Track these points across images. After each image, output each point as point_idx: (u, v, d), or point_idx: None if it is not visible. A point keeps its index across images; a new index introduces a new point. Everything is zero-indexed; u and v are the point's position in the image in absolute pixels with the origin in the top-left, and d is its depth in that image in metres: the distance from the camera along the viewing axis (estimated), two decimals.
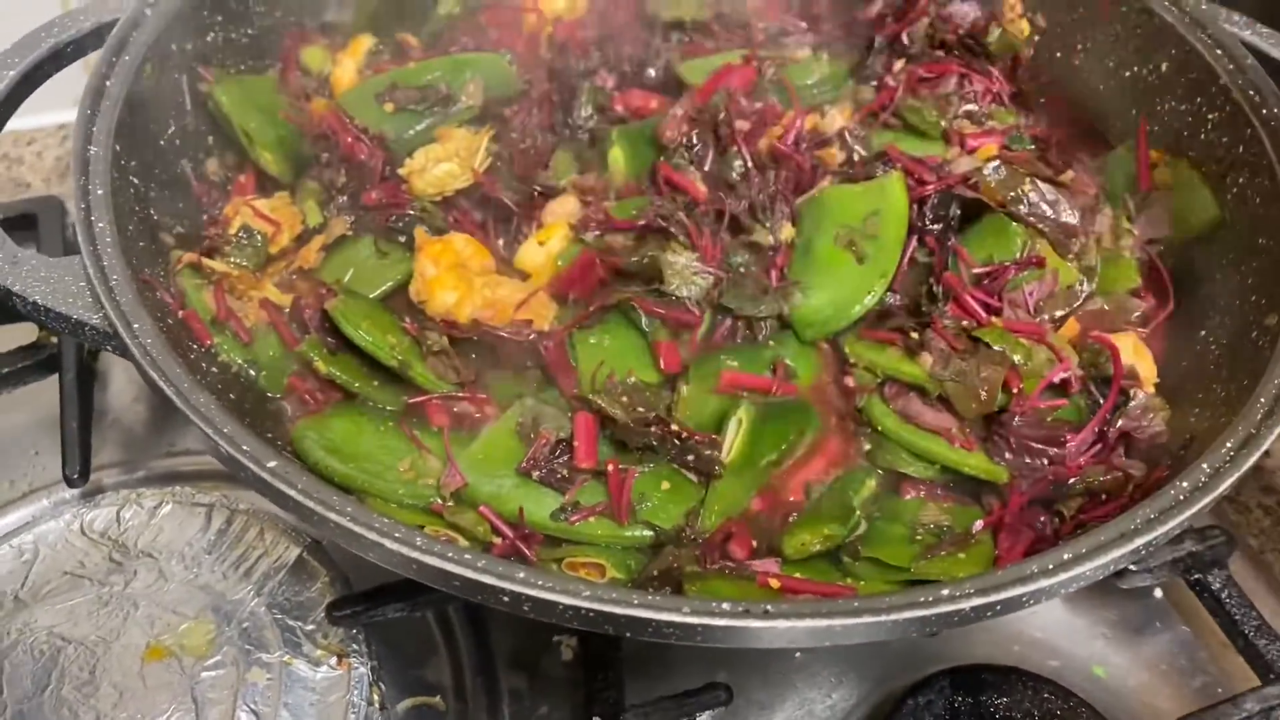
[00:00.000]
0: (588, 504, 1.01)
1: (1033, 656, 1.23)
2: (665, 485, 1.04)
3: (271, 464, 0.86)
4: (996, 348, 1.05)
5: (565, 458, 1.04)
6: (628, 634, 0.81)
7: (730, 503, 1.02)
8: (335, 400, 1.11)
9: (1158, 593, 1.30)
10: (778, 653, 1.24)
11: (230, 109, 1.24)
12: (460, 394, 1.09)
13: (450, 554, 0.82)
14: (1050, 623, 1.27)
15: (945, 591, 0.82)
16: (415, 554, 0.82)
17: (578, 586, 0.81)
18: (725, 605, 0.80)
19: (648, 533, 1.01)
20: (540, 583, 0.81)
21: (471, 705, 1.19)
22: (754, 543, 1.00)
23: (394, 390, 1.10)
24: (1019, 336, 1.07)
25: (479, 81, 1.29)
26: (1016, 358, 1.05)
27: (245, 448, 0.87)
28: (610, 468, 1.02)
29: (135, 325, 0.95)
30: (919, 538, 1.03)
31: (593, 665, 1.14)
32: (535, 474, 1.03)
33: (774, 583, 0.96)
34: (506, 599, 0.81)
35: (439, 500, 1.02)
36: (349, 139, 1.22)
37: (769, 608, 0.80)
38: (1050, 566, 0.84)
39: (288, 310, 1.15)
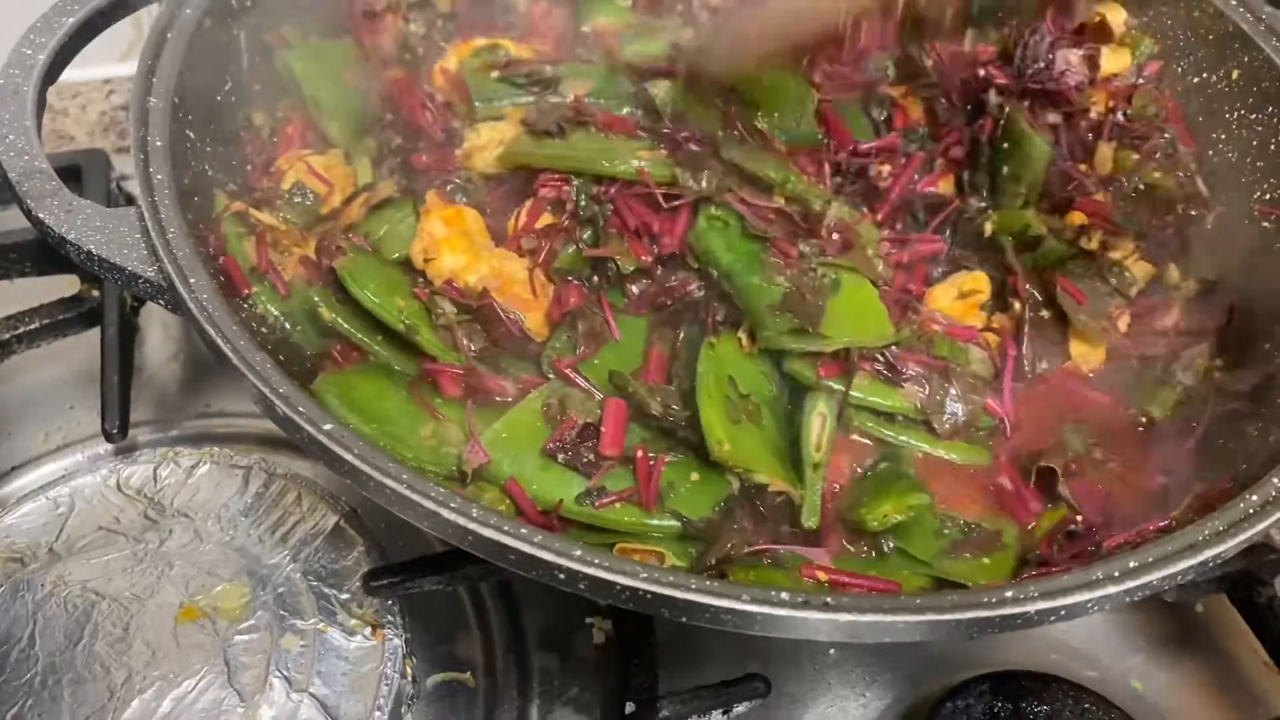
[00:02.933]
0: (614, 489, 0.99)
1: (1070, 665, 1.21)
2: (694, 476, 1.01)
3: (328, 426, 0.84)
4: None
5: (592, 442, 1.01)
6: (684, 619, 0.79)
7: (819, 497, 1.00)
8: (359, 360, 1.08)
9: (1199, 608, 1.28)
10: (811, 647, 1.22)
11: (302, 76, 1.22)
12: (472, 368, 1.06)
13: (507, 526, 0.80)
14: (1089, 633, 1.25)
15: (1009, 593, 0.80)
16: (472, 525, 0.80)
17: (635, 568, 0.79)
18: (785, 595, 0.79)
19: (674, 523, 0.98)
20: (598, 561, 0.79)
21: (501, 683, 1.17)
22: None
23: (404, 353, 1.08)
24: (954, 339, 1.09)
25: (587, 87, 1.26)
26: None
27: (301, 409, 0.85)
28: (639, 454, 0.99)
29: (192, 280, 0.93)
30: (946, 532, 1.02)
31: (627, 651, 1.13)
32: (560, 456, 1.00)
33: (821, 575, 0.94)
34: (562, 576, 0.80)
35: (459, 471, 1.00)
36: (415, 103, 1.19)
37: (829, 599, 0.79)
38: (1116, 574, 0.83)
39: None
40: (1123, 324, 1.16)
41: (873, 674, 1.21)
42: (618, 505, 0.97)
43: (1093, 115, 1.28)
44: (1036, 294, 1.13)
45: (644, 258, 1.10)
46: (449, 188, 1.17)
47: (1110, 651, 1.24)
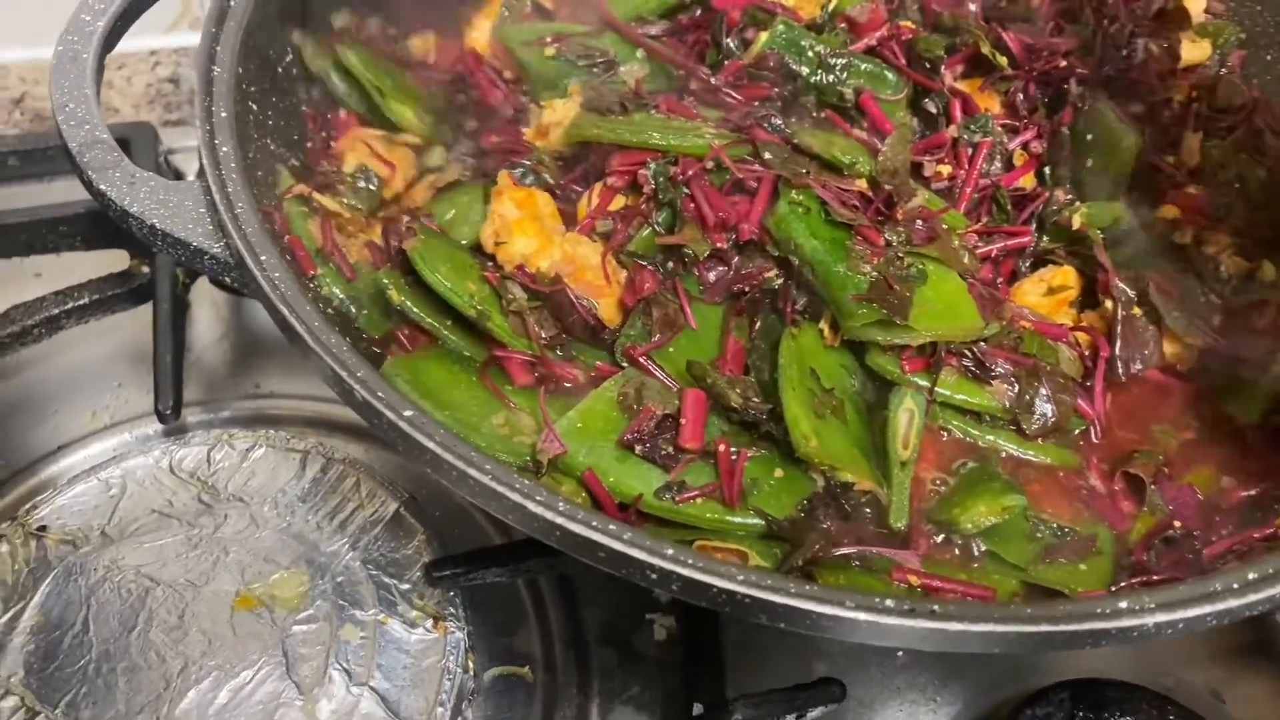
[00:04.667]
0: (695, 484, 0.94)
1: (1145, 673, 1.16)
2: (779, 472, 0.97)
3: (408, 413, 0.80)
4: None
5: (670, 434, 0.97)
6: (783, 625, 0.75)
7: (907, 497, 0.95)
8: (427, 344, 1.04)
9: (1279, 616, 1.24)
10: (881, 650, 1.18)
11: (360, 68, 1.18)
12: (543, 356, 1.02)
13: (595, 522, 0.76)
14: (1165, 640, 1.21)
15: (1124, 604, 0.76)
16: (560, 519, 0.76)
17: (732, 570, 0.75)
18: (890, 602, 0.74)
19: (758, 521, 0.93)
20: (692, 562, 0.75)
21: (561, 678, 1.14)
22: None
23: (473, 338, 1.03)
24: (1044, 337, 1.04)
25: (646, 71, 1.22)
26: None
27: (381, 394, 0.81)
28: (721, 448, 0.95)
29: (263, 258, 0.89)
30: (1039, 536, 0.97)
31: (692, 650, 1.09)
32: (638, 448, 0.95)
33: (914, 579, 0.90)
34: (655, 575, 0.76)
35: (534, 461, 0.96)
36: (485, 80, 1.15)
37: (936, 608, 0.75)
38: (1236, 586, 0.78)
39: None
40: (1216, 322, 1.11)
41: (943, 679, 1.17)
42: (699, 501, 0.93)
43: (1175, 106, 1.23)
44: (1128, 291, 1.08)
45: (720, 244, 1.05)
46: (518, 171, 1.13)
47: (1190, 659, 1.20)
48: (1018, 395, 1.01)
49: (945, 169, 1.13)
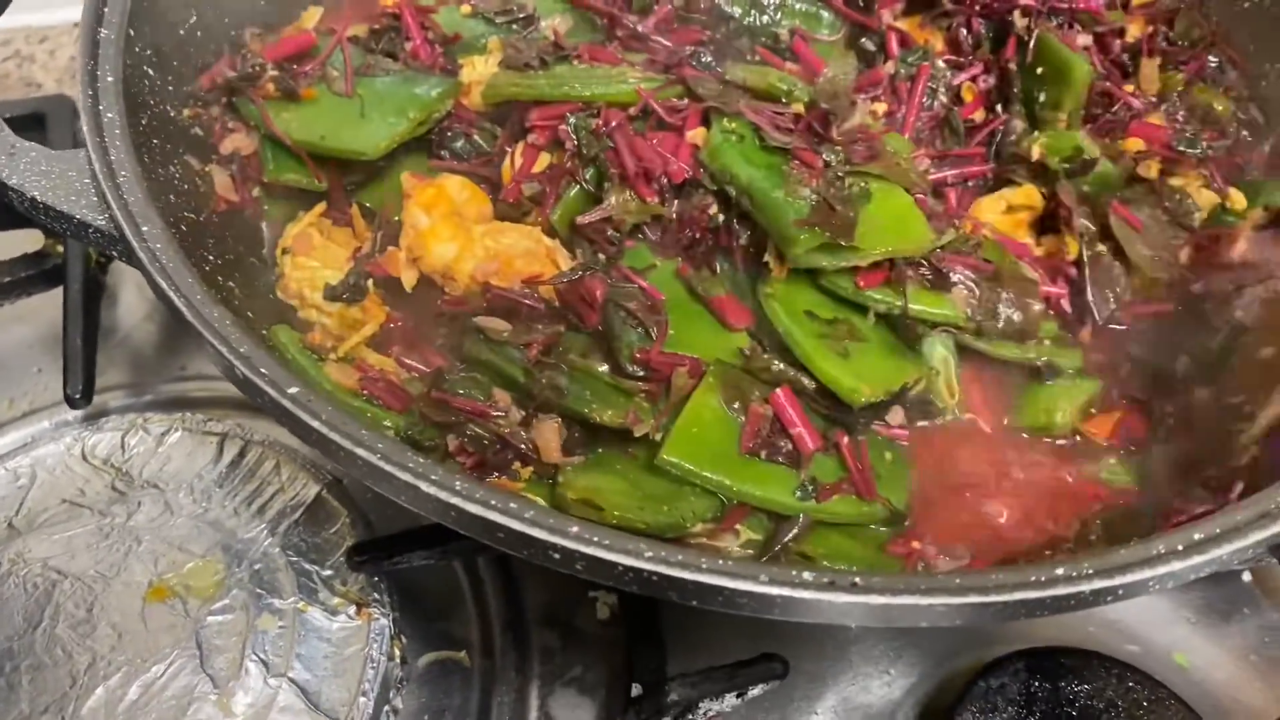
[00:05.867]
0: (825, 479, 0.90)
1: (1109, 640, 1.13)
2: (888, 456, 0.94)
3: (293, 390, 0.75)
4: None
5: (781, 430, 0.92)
6: (695, 602, 0.71)
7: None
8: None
9: (1246, 576, 1.20)
10: (831, 624, 1.14)
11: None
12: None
13: (494, 501, 0.72)
14: (1128, 604, 1.16)
15: (1060, 571, 0.71)
16: (455, 500, 0.71)
17: (638, 546, 0.71)
18: (808, 575, 0.70)
19: (884, 510, 0.91)
20: (596, 539, 0.71)
21: (499, 662, 1.09)
22: None
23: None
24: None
25: (568, 22, 1.17)
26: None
27: (264, 370, 0.76)
28: (844, 441, 0.91)
29: (145, 228, 0.84)
30: None
31: (633, 628, 1.05)
32: (763, 453, 0.91)
33: (916, 544, 0.89)
34: (557, 555, 0.71)
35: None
36: (419, 38, 1.10)
37: (858, 580, 0.70)
38: (1180, 548, 0.73)
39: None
40: (1184, 257, 1.06)
41: (897, 650, 1.13)
42: (836, 497, 0.90)
43: (1129, 39, 1.19)
44: (1090, 226, 1.03)
45: (651, 199, 0.99)
46: (451, 147, 1.08)
47: (1152, 624, 1.16)
48: (980, 301, 0.97)
49: (881, 107, 1.08)
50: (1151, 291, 1.03)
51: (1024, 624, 1.12)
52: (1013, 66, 1.12)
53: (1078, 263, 1.03)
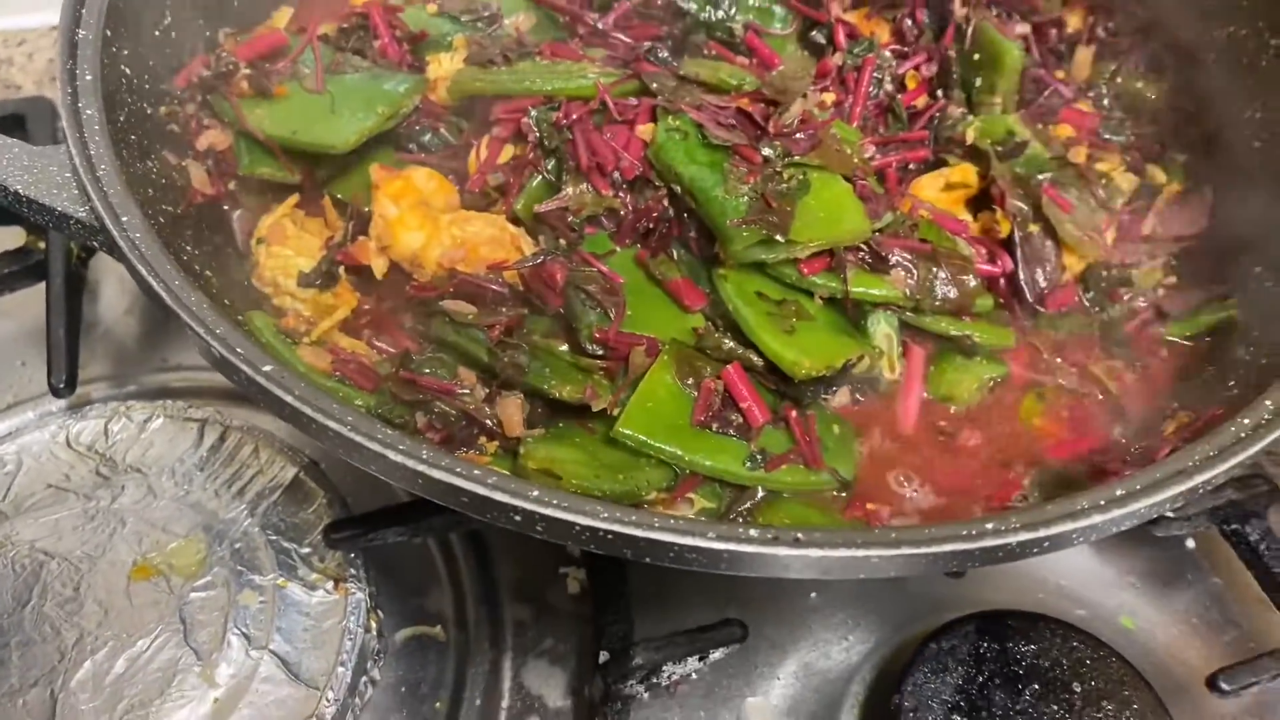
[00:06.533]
0: (774, 450, 0.94)
1: (1058, 605, 1.18)
2: (836, 429, 0.98)
3: (267, 368, 0.79)
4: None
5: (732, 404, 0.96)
6: (647, 559, 0.75)
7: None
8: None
9: (1190, 543, 1.25)
10: (792, 591, 1.19)
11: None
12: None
13: (459, 469, 0.76)
14: (1077, 570, 1.22)
15: (990, 525, 0.76)
16: (421, 467, 0.76)
17: (594, 507, 0.75)
18: (754, 532, 0.74)
19: (831, 479, 0.96)
20: (555, 501, 0.75)
21: (473, 636, 1.14)
22: None
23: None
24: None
25: (531, 20, 1.21)
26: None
27: (240, 350, 0.80)
28: (792, 414, 0.96)
29: (124, 219, 0.88)
30: None
31: (600, 598, 1.09)
32: (714, 426, 0.95)
33: (871, 506, 0.94)
34: (519, 518, 0.75)
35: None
36: (386, 36, 1.15)
37: (800, 535, 0.75)
38: (1102, 502, 0.78)
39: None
40: (1110, 236, 1.11)
41: (855, 617, 1.18)
42: (784, 467, 0.94)
43: (1070, 29, 1.24)
44: (1023, 206, 1.08)
45: (605, 192, 1.04)
46: (419, 141, 1.12)
47: (1099, 589, 1.21)
48: (918, 281, 1.02)
49: (829, 97, 1.12)
50: (1080, 270, 1.09)
51: (976, 590, 1.17)
52: (952, 53, 1.17)
53: (1008, 241, 1.08)
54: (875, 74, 1.13)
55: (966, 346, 1.04)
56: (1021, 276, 1.06)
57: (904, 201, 1.07)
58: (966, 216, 1.10)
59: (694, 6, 1.17)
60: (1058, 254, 1.07)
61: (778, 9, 1.19)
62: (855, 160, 1.03)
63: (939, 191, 1.10)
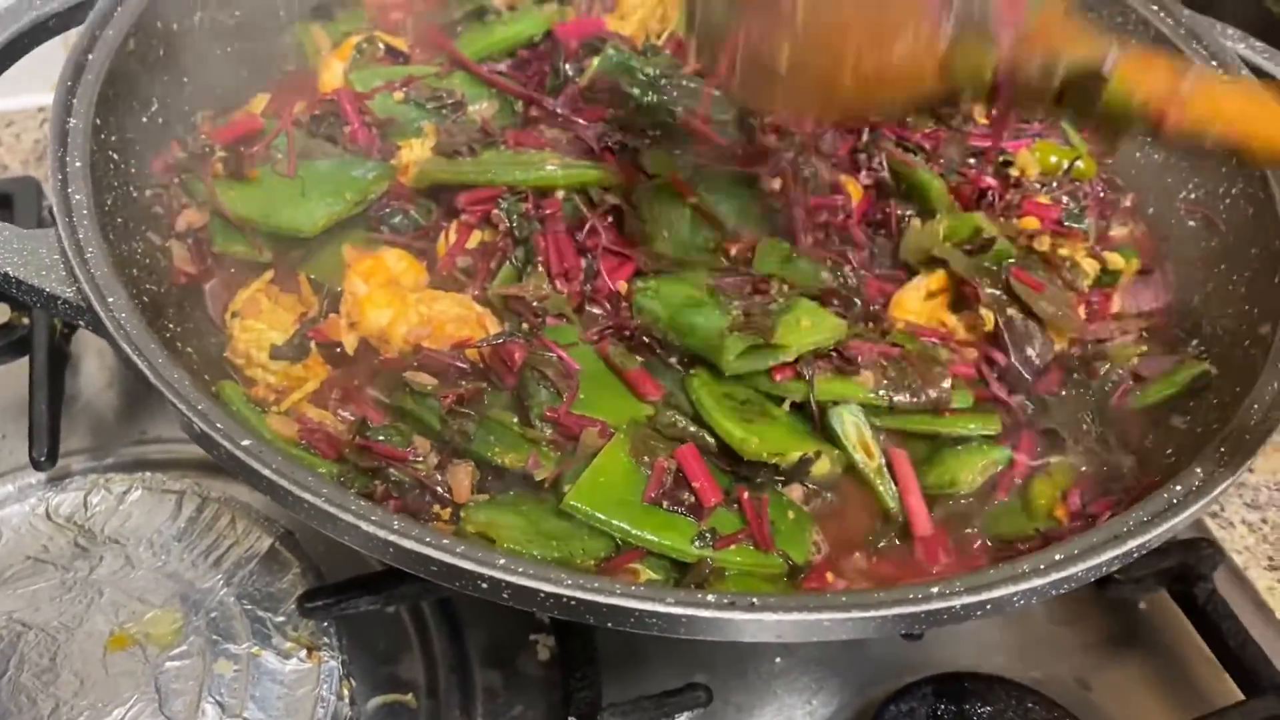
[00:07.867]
0: (725, 530, 0.96)
1: (1016, 667, 1.21)
2: (790, 514, 1.00)
3: (246, 442, 0.83)
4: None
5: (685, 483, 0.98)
6: (609, 624, 0.79)
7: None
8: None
9: (1142, 605, 1.29)
10: (757, 656, 1.21)
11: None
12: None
13: (428, 538, 0.79)
14: (1034, 634, 1.26)
15: (935, 589, 0.80)
16: (392, 537, 0.79)
17: (559, 574, 0.79)
18: (711, 597, 0.78)
19: (781, 561, 0.97)
20: (521, 569, 0.78)
21: (444, 703, 1.16)
22: None
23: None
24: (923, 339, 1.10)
25: (494, 106, 1.26)
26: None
27: (219, 425, 0.84)
28: (744, 496, 0.97)
29: (110, 299, 0.92)
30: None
31: (569, 664, 1.12)
32: (665, 504, 0.96)
33: (830, 577, 0.96)
34: (485, 585, 0.79)
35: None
36: (356, 123, 1.20)
37: (755, 600, 0.78)
38: (1041, 566, 0.83)
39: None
40: (1081, 314, 1.17)
41: (819, 681, 1.21)
42: (733, 547, 0.95)
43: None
44: (999, 294, 1.12)
45: (570, 295, 1.09)
46: (390, 223, 1.16)
47: (1054, 652, 1.24)
48: (891, 381, 1.05)
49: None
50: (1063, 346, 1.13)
51: (938, 652, 1.20)
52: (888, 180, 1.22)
53: (995, 333, 1.11)
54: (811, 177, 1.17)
55: (954, 437, 1.06)
56: (1014, 358, 1.09)
57: (886, 319, 1.12)
58: (951, 319, 1.14)
59: (637, 91, 1.23)
60: (1042, 330, 1.10)
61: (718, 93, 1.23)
62: (825, 279, 1.10)
63: (921, 302, 1.13)
